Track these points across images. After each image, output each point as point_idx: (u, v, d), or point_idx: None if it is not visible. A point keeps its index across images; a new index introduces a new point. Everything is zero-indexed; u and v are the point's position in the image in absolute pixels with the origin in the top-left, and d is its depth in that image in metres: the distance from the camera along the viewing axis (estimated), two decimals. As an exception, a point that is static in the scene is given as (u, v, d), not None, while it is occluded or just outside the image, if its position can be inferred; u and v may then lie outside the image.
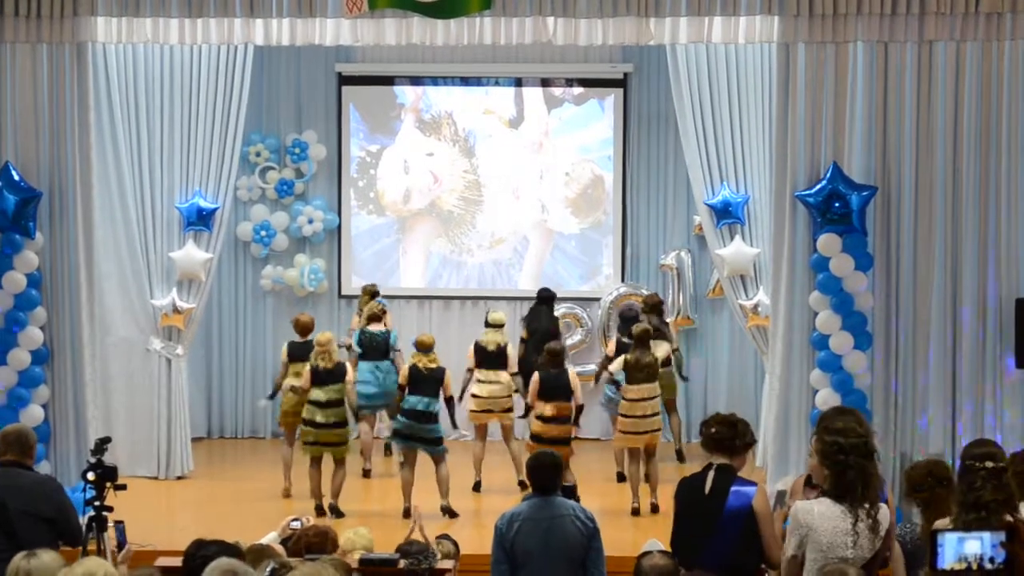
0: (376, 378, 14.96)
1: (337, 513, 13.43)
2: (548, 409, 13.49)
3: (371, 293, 16.10)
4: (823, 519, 6.98)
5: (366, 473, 15.22)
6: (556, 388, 13.58)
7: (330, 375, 13.65)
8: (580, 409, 13.70)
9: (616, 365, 14.17)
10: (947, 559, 6.15)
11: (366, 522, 11.51)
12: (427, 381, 13.46)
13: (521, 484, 14.26)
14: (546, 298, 16.42)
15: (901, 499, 8.83)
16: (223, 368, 17.74)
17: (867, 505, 6.97)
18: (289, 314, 16.89)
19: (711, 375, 17.32)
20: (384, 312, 15.40)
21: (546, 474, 8.22)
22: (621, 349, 14.66)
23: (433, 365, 13.55)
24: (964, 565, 6.13)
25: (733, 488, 7.73)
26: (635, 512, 13.67)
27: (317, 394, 13.59)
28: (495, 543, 8.12)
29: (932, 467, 7.72)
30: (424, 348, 13.64)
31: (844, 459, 7.00)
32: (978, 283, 13.18)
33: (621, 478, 14.85)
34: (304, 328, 14.64)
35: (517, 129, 17.58)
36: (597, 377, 15.47)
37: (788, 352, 13.46)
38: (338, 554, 8.72)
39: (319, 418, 13.58)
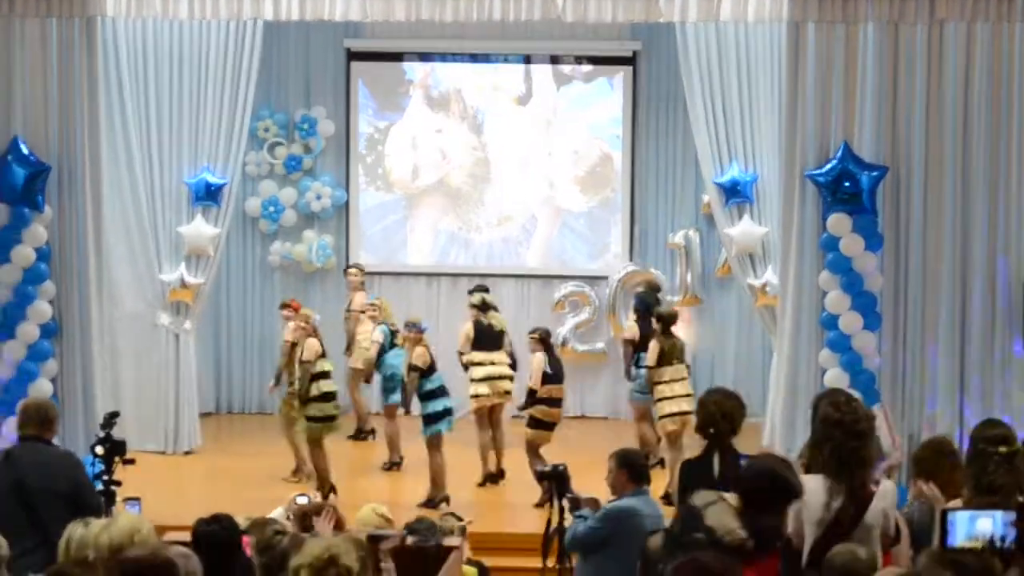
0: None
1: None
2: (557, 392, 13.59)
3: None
4: (812, 494, 6.98)
5: (395, 465, 14.69)
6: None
7: None
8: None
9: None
10: (958, 537, 6.15)
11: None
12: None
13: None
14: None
15: (908, 479, 8.83)
16: (231, 343, 17.73)
17: (853, 483, 6.94)
18: (297, 290, 16.90)
19: (718, 354, 17.27)
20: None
21: (645, 468, 8.49)
22: (645, 334, 14.16)
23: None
24: (976, 543, 6.13)
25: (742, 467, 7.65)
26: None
27: (328, 365, 13.63)
28: (609, 520, 8.28)
29: (937, 445, 7.74)
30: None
31: (830, 432, 6.96)
32: (987, 264, 13.17)
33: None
34: None
35: (526, 106, 17.53)
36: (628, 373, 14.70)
37: (796, 332, 13.45)
38: (347, 529, 8.70)
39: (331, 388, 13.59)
